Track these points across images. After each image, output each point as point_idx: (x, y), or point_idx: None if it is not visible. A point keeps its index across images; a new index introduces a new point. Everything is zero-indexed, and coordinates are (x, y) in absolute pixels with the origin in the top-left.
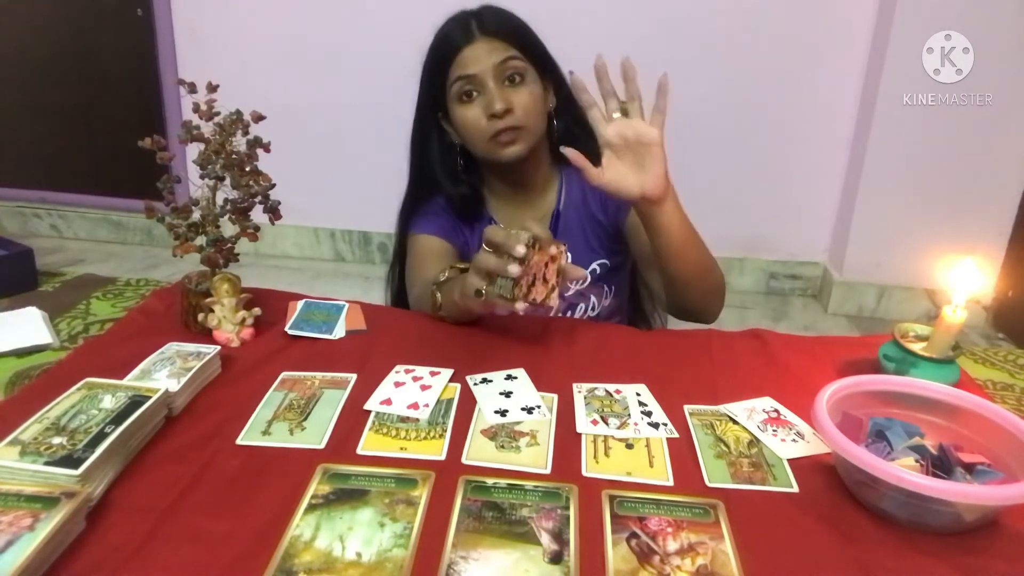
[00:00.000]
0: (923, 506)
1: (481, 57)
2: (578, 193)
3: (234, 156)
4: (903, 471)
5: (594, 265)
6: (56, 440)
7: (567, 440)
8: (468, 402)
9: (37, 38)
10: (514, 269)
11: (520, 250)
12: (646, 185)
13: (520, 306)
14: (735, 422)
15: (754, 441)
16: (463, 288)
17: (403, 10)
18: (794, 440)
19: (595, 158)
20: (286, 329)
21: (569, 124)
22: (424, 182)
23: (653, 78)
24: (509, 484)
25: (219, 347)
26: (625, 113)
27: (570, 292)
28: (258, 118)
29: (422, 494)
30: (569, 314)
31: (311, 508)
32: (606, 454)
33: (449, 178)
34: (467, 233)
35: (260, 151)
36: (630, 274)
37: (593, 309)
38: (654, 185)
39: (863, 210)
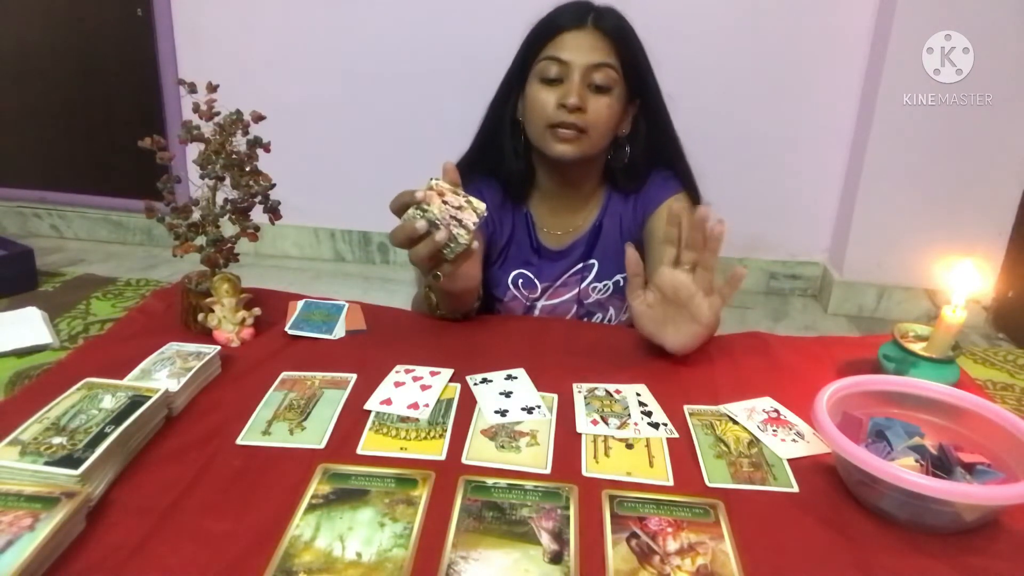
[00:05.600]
0: (923, 506)
1: (581, 48)
2: (620, 211)
3: (234, 156)
4: (903, 471)
5: (618, 277)
6: (56, 440)
7: (567, 440)
8: (468, 402)
9: (37, 38)
10: (421, 224)
11: (420, 194)
12: (673, 344)
13: (474, 243)
14: (735, 422)
15: (754, 441)
16: (428, 289)
17: (404, 11)
18: (794, 440)
19: (635, 180)
20: (286, 329)
21: (634, 154)
22: (483, 154)
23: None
24: (509, 484)
25: (219, 347)
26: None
27: (590, 300)
28: (258, 118)
29: (422, 494)
30: (585, 320)
31: (311, 508)
32: (606, 454)
33: (511, 150)
34: (498, 221)
35: (260, 151)
36: None
37: (610, 320)
38: (679, 349)
39: (863, 210)
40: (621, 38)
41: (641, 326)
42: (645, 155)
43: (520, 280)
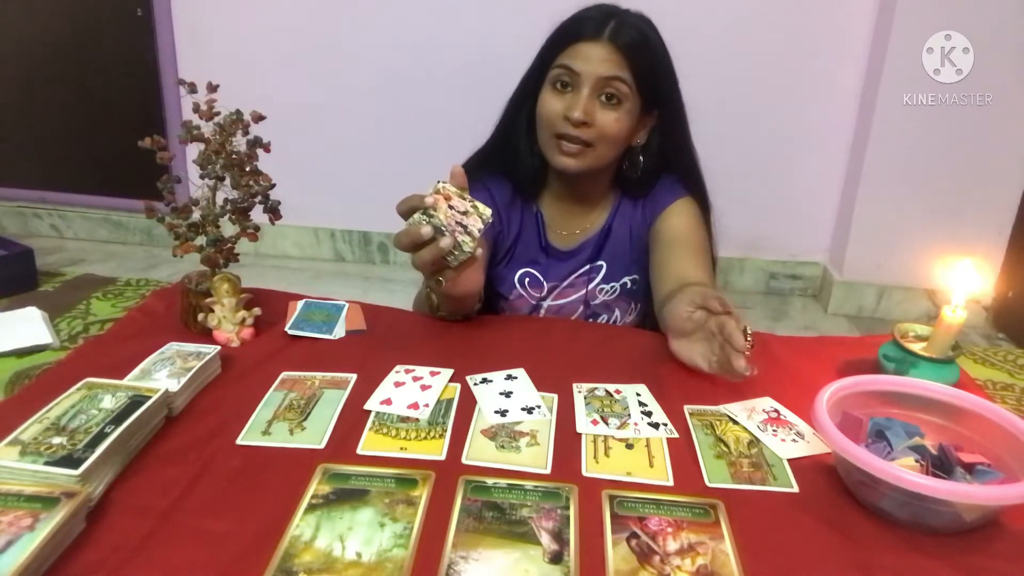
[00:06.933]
0: (923, 506)
1: (593, 60)
2: (629, 214)
3: (234, 156)
4: (903, 471)
5: (626, 279)
6: (56, 440)
7: (567, 440)
8: (468, 402)
9: (37, 38)
10: (426, 230)
11: (429, 200)
12: (677, 352)
13: (478, 250)
14: (735, 422)
15: (754, 441)
16: (429, 291)
17: (404, 11)
18: (794, 440)
19: (642, 185)
20: (286, 329)
21: (646, 164)
22: (498, 150)
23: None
24: (509, 484)
25: (219, 347)
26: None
27: (597, 301)
28: (258, 118)
29: (422, 494)
30: (590, 321)
31: (311, 508)
32: (606, 454)
33: (526, 148)
34: (506, 219)
35: (260, 151)
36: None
37: (616, 322)
38: (682, 359)
39: (863, 210)
40: (636, 52)
41: (667, 324)
42: (657, 165)
43: (527, 279)
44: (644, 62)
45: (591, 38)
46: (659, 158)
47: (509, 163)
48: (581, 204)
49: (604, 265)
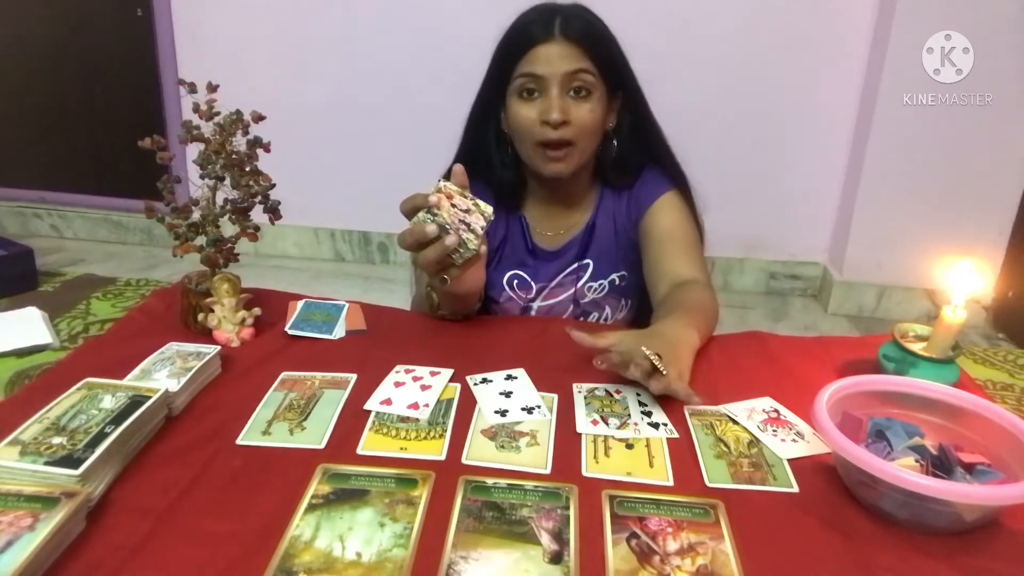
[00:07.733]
0: (923, 506)
1: (553, 60)
2: (612, 209)
3: (234, 156)
4: (903, 471)
5: (613, 276)
6: (56, 440)
7: (567, 440)
8: (468, 402)
9: (37, 38)
10: (431, 229)
11: (433, 199)
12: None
13: (482, 247)
14: (735, 422)
15: (754, 441)
16: (431, 289)
17: (403, 11)
18: (794, 440)
19: (627, 175)
20: (286, 329)
21: (622, 147)
22: (471, 162)
23: (653, 77)
24: (509, 484)
25: (219, 347)
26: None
27: (586, 300)
28: (258, 118)
29: (422, 494)
30: (582, 320)
31: (311, 508)
32: (606, 454)
33: (499, 161)
34: (492, 224)
35: (260, 151)
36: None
37: (607, 320)
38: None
39: (863, 210)
40: (591, 40)
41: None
42: (632, 146)
43: (515, 281)
44: (600, 47)
45: (544, 39)
46: (631, 138)
47: (486, 176)
48: (564, 203)
49: (591, 263)
